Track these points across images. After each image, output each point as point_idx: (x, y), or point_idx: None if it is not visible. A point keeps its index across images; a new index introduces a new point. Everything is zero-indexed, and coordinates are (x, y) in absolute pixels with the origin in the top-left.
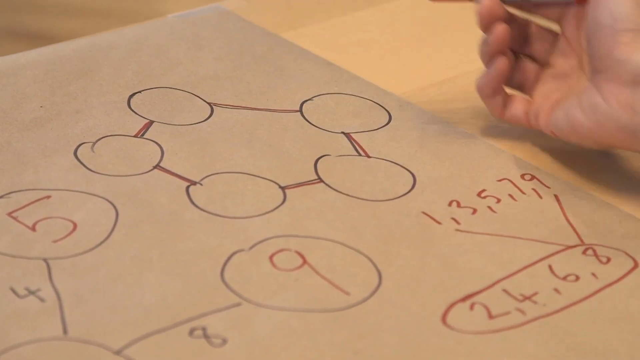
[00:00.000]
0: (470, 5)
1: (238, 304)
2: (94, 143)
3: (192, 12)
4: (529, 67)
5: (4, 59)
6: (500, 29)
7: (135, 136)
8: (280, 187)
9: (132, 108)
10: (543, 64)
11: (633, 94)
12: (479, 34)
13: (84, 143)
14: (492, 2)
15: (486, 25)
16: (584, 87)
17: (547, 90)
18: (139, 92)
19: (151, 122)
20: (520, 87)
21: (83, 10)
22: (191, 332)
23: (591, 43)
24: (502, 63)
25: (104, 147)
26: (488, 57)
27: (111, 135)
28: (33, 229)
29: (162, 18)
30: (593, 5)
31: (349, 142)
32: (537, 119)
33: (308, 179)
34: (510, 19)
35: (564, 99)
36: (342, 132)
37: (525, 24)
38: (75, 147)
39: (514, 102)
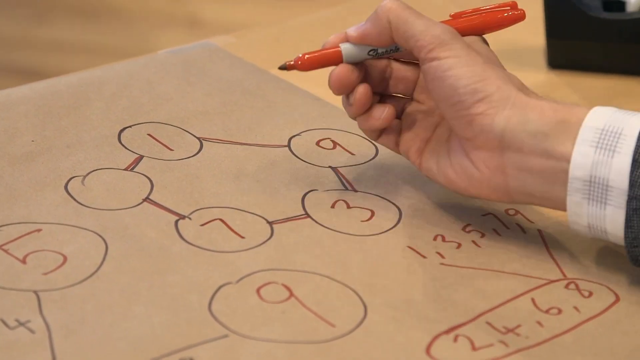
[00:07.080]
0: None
1: (225, 336)
2: (84, 177)
3: (183, 49)
4: (396, 102)
5: None
6: (360, 92)
7: (125, 170)
8: (268, 222)
9: (123, 143)
10: (408, 99)
11: (501, 158)
12: None
13: (75, 177)
14: (342, 70)
15: (342, 92)
16: (451, 138)
17: (415, 127)
18: (129, 126)
19: (141, 157)
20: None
21: (74, 47)
22: None
23: (447, 116)
24: (373, 119)
25: (94, 180)
26: (355, 115)
27: (101, 169)
28: (23, 261)
29: (153, 54)
30: (433, 83)
31: (336, 176)
32: (408, 157)
33: (295, 214)
34: (367, 68)
35: (432, 140)
36: (330, 167)
37: (386, 65)
38: (65, 181)
39: (388, 133)
